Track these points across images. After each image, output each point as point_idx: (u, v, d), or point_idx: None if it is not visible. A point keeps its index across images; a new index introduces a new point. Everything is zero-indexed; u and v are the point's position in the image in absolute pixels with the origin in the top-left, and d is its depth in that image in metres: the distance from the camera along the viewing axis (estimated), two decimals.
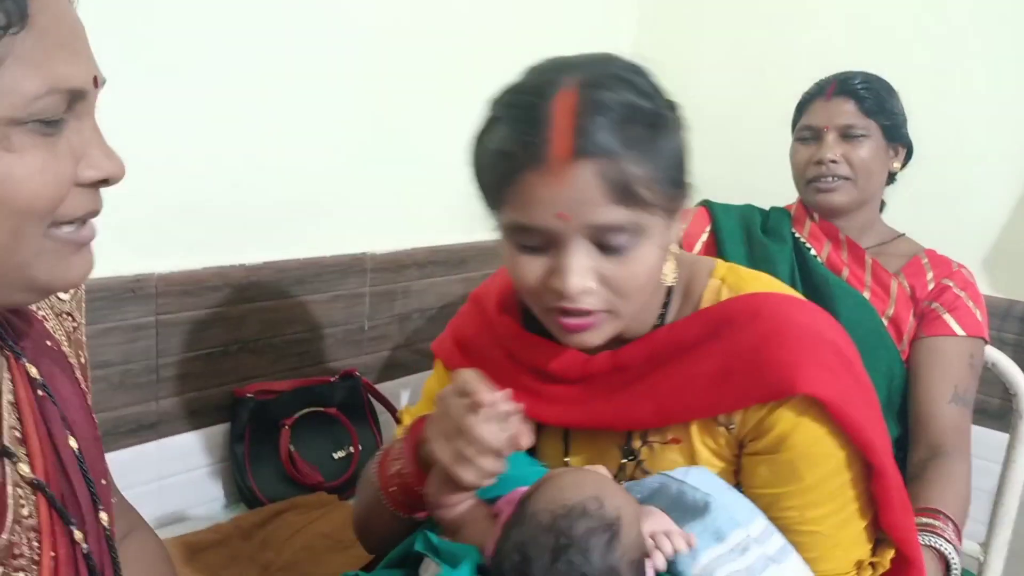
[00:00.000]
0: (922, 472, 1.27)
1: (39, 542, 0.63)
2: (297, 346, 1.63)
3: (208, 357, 1.48)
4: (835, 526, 0.86)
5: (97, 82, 0.58)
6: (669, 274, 0.89)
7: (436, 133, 1.75)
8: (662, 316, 0.93)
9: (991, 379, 1.45)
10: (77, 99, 0.56)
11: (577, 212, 0.76)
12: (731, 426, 0.88)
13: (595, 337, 0.85)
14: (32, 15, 0.51)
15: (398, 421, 1.71)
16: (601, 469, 0.87)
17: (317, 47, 1.55)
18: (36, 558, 0.62)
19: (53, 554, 0.63)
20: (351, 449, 1.59)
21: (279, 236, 1.55)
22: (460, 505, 0.85)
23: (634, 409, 0.91)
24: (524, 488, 0.85)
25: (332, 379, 1.62)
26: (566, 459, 1.00)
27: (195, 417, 1.49)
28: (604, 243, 0.78)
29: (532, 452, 1.04)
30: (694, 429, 0.90)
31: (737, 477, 0.91)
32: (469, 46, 1.82)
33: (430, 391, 1.09)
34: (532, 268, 0.82)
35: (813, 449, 0.84)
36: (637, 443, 0.94)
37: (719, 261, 0.96)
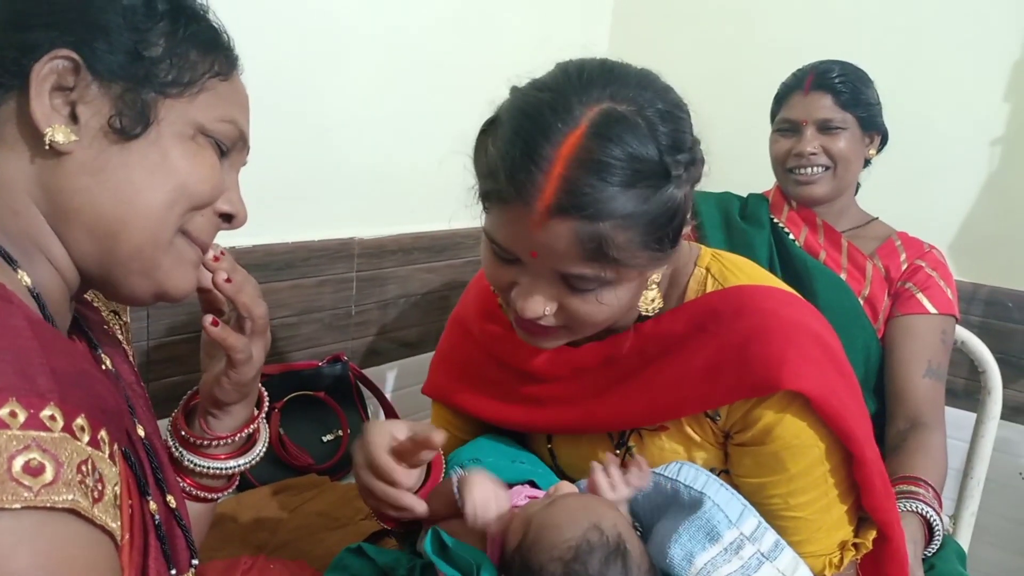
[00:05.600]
0: (901, 443, 1.32)
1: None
2: (285, 330, 1.62)
3: (196, 339, 1.46)
4: (818, 511, 0.89)
5: (248, 150, 0.73)
6: (649, 298, 0.89)
7: (423, 122, 1.76)
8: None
9: (956, 360, 1.50)
10: (239, 144, 0.71)
11: (547, 257, 0.77)
12: (717, 418, 0.90)
13: (547, 344, 0.88)
14: (233, 77, 0.69)
15: (387, 406, 1.72)
16: (566, 487, 0.88)
17: (306, 36, 1.55)
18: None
19: (131, 501, 0.64)
20: (339, 432, 1.59)
21: (269, 219, 1.55)
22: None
23: (627, 407, 0.92)
24: (521, 494, 0.86)
25: (320, 363, 1.62)
26: (549, 445, 1.02)
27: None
28: (571, 284, 0.79)
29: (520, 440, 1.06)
30: (683, 419, 0.92)
31: (726, 463, 0.93)
32: (451, 37, 1.83)
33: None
34: (501, 274, 0.83)
35: (797, 441, 0.86)
36: (626, 432, 0.96)
37: (703, 248, 0.97)
